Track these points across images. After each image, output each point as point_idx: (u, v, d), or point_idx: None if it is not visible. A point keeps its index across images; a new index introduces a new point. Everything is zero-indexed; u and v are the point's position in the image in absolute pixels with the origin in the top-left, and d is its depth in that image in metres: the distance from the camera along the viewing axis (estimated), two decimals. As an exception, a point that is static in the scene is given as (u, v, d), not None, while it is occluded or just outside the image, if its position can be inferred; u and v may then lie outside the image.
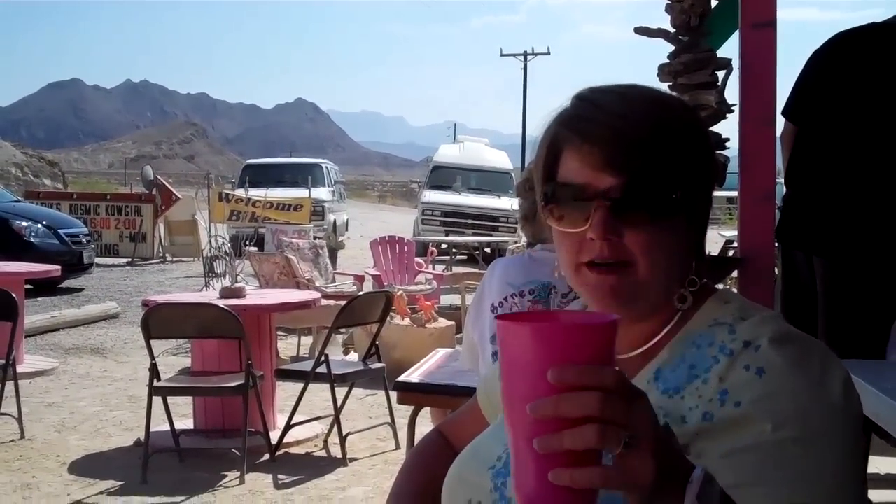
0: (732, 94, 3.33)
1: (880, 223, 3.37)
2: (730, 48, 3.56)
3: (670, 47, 3.40)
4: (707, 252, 1.31)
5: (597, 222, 1.15)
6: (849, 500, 1.09)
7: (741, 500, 1.00)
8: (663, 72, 3.30)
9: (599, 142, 1.16)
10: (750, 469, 1.08)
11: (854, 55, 3.43)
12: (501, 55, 53.28)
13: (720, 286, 1.32)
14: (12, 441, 6.01)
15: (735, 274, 3.50)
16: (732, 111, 3.28)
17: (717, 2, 3.50)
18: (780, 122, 3.60)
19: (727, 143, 3.23)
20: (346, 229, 25.19)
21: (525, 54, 52.63)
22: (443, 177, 22.23)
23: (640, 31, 3.42)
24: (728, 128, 3.28)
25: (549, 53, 53.73)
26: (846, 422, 1.11)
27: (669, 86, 3.31)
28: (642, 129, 1.16)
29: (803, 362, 1.13)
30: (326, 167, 25.37)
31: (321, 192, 21.91)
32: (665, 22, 3.47)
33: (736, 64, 3.31)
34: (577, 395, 0.86)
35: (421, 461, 1.56)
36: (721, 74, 3.34)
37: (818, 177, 3.52)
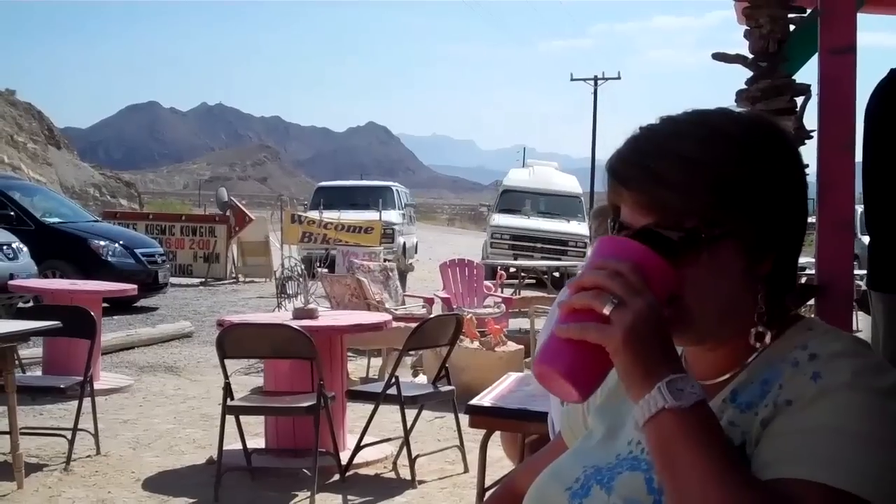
0: (810, 119, 3.29)
1: None
2: (807, 73, 3.52)
3: (745, 72, 3.38)
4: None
5: None
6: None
7: (769, 473, 1.08)
8: (741, 98, 3.27)
9: (630, 184, 1.20)
10: (785, 449, 1.09)
11: None
12: (572, 79, 53.12)
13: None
14: (88, 456, 6.12)
15: (812, 302, 3.44)
16: (811, 137, 3.23)
17: (794, 27, 3.46)
18: (859, 149, 3.53)
19: (806, 170, 3.17)
20: (416, 252, 25.32)
21: (595, 79, 52.43)
22: (512, 200, 22.22)
23: (718, 56, 3.40)
24: (807, 154, 3.24)
25: (619, 78, 53.48)
26: None
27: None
28: (671, 169, 1.17)
29: (872, 375, 1.12)
30: (397, 190, 25.56)
31: (391, 215, 22.09)
32: (734, 46, 3.44)
33: (814, 89, 3.27)
34: (594, 271, 1.12)
35: None
36: (800, 101, 3.30)
37: (882, 214, 3.43)
